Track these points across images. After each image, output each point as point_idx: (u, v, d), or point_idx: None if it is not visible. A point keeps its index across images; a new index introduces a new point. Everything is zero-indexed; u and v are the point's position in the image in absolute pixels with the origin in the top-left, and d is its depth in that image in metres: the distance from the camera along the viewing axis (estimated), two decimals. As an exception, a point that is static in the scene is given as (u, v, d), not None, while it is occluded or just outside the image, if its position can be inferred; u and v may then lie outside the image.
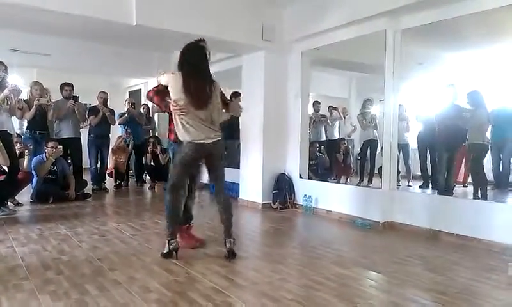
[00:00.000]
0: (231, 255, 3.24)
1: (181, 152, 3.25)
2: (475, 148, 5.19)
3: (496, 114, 6.60)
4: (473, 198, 4.81)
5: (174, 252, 3.23)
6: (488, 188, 6.85)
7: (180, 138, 3.23)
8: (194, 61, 3.25)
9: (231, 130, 6.52)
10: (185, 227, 3.63)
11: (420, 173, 6.57)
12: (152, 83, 8.54)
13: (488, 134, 5.32)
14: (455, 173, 7.08)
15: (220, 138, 3.29)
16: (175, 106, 3.15)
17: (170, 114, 3.38)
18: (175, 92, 3.17)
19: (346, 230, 4.58)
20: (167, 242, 3.25)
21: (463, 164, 7.16)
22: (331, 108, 8.17)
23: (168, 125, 3.62)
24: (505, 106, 6.60)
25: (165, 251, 3.26)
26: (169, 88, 3.23)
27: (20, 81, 7.25)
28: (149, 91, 3.57)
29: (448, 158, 5.55)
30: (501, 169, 6.66)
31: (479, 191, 4.93)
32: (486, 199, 4.73)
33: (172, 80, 3.21)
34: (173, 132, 3.39)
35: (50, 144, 5.71)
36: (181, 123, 3.18)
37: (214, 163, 3.33)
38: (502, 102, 6.86)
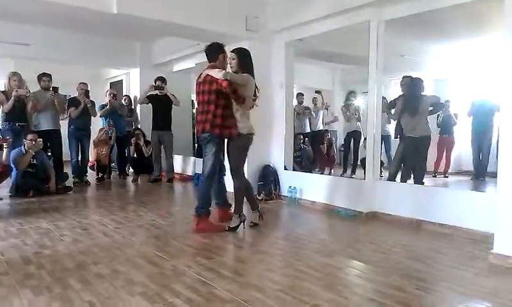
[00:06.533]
0: (260, 220, 4.12)
1: (245, 143, 3.99)
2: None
3: (477, 107, 6.74)
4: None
5: (242, 223, 3.96)
6: (468, 178, 7.01)
7: (246, 130, 3.89)
8: (252, 65, 3.89)
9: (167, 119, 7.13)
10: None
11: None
12: (134, 73, 8.44)
13: (429, 125, 5.26)
14: (434, 163, 7.21)
15: None
16: (255, 100, 3.95)
17: (215, 107, 3.75)
18: (251, 91, 3.83)
19: (330, 220, 4.62)
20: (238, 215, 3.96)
21: (444, 154, 7.31)
22: (315, 99, 8.20)
23: (214, 117, 3.76)
24: (485, 99, 6.74)
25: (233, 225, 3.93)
26: (243, 85, 3.74)
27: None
28: (223, 83, 3.70)
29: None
30: (480, 159, 6.81)
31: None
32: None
33: (250, 81, 3.79)
34: (217, 126, 3.78)
35: (30, 136, 5.56)
36: (246, 116, 3.90)
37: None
38: (482, 95, 7.00)
